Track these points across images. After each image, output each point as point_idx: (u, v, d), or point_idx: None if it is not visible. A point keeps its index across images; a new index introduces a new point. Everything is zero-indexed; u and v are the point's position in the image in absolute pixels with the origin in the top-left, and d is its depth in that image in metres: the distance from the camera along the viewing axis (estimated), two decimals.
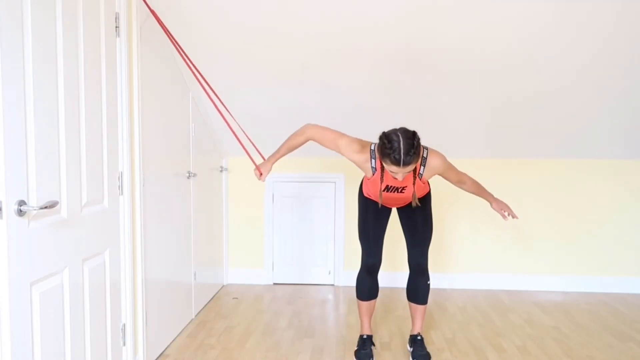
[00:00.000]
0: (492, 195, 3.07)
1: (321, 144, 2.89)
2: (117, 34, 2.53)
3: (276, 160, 2.96)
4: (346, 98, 3.77)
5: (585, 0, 2.89)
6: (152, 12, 2.79)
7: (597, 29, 3.10)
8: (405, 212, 3.07)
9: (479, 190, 3.05)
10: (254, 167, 2.97)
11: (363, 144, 2.84)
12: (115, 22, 2.51)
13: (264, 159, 3.05)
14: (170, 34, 2.90)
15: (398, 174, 2.61)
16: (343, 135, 2.85)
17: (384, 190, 2.85)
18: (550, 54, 3.30)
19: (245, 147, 3.10)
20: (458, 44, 3.23)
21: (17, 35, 1.81)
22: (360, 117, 3.95)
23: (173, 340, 3.33)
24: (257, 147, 3.18)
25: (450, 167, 2.90)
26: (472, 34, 3.14)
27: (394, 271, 4.41)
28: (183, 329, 3.52)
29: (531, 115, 3.89)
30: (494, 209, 3.06)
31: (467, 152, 4.32)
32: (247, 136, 3.23)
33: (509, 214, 3.03)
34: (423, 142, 2.68)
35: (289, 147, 2.95)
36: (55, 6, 2.02)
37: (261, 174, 2.92)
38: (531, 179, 4.45)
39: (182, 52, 2.96)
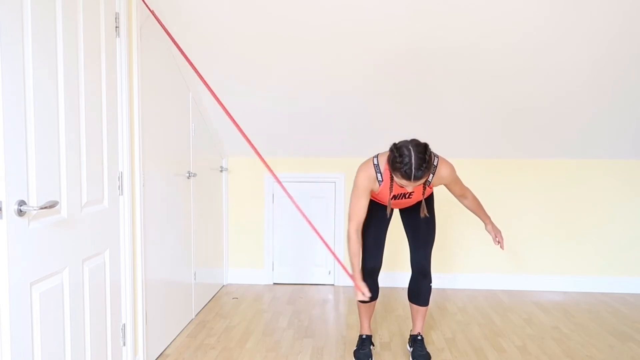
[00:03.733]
0: (489, 218, 3.07)
1: (363, 216, 2.83)
2: (117, 34, 2.53)
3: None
4: (348, 100, 3.77)
5: (589, 2, 2.89)
6: (152, 12, 2.79)
7: (600, 31, 3.10)
8: (409, 214, 3.06)
9: (478, 208, 3.04)
10: (355, 289, 2.84)
11: (366, 169, 2.81)
12: (115, 22, 2.51)
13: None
14: (170, 34, 2.90)
15: (408, 186, 2.60)
16: (357, 191, 2.82)
17: (391, 199, 2.85)
18: (553, 56, 3.30)
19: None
20: (462, 48, 3.23)
21: (17, 35, 1.81)
22: (361, 119, 3.95)
23: (173, 340, 3.33)
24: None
25: (457, 179, 2.90)
26: (476, 38, 3.14)
27: (394, 271, 4.41)
28: (183, 329, 3.52)
29: (533, 116, 3.89)
30: (487, 230, 3.05)
31: (470, 153, 4.33)
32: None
33: (499, 242, 3.03)
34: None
35: (357, 255, 2.85)
36: (55, 6, 2.03)
37: (363, 294, 2.78)
38: (531, 179, 4.46)
39: (182, 51, 2.96)
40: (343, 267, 2.91)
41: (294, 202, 2.92)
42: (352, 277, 2.84)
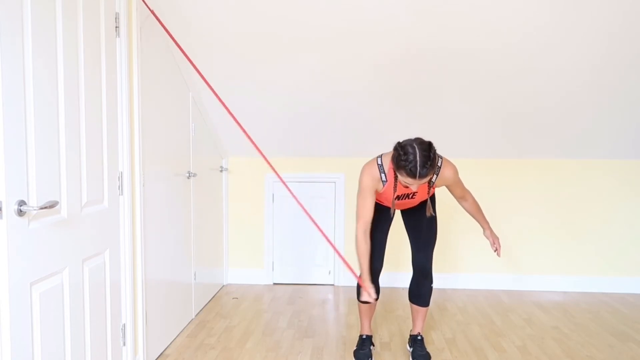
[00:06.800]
0: (488, 223, 3.06)
1: (371, 216, 2.81)
2: (117, 34, 2.53)
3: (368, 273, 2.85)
4: (348, 100, 3.77)
5: (589, 2, 2.89)
6: (152, 11, 2.79)
7: (600, 31, 3.10)
8: (410, 215, 3.06)
9: (477, 212, 3.03)
10: (362, 290, 2.82)
11: (370, 169, 2.80)
12: (115, 22, 2.51)
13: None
14: (170, 34, 2.91)
15: (413, 185, 2.60)
16: (362, 192, 2.81)
17: (395, 199, 2.84)
18: (553, 56, 3.29)
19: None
20: (462, 48, 3.23)
21: (17, 35, 1.81)
22: (362, 119, 3.95)
23: (173, 340, 3.33)
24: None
25: (459, 181, 2.90)
26: (477, 38, 3.14)
27: (394, 271, 4.41)
28: (183, 329, 3.52)
29: (533, 116, 3.89)
30: (485, 236, 3.04)
31: (470, 153, 4.33)
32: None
33: (496, 249, 3.01)
34: None
35: (365, 255, 2.83)
36: (55, 6, 2.02)
37: (369, 294, 2.77)
38: (532, 180, 4.46)
39: (183, 51, 2.97)
40: (349, 268, 2.89)
41: (299, 203, 2.92)
42: (359, 278, 2.83)
